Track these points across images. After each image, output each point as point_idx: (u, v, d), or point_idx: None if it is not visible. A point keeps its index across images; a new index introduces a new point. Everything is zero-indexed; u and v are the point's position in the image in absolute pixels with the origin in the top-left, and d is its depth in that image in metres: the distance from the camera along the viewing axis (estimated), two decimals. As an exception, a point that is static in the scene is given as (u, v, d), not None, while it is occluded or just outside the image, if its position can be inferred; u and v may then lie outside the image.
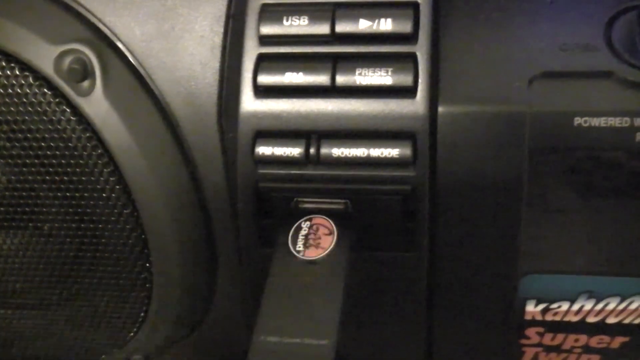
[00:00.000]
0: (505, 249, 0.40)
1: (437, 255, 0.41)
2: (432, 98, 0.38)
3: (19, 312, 0.45)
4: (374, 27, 0.38)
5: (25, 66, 0.40)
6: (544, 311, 0.41)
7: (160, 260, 0.41)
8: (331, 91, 0.38)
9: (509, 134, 0.37)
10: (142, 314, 0.43)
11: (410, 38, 0.38)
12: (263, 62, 0.39)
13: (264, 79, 0.39)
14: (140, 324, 0.44)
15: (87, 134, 0.40)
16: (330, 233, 0.38)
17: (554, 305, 0.41)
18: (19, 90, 0.40)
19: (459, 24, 0.40)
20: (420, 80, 0.38)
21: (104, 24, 0.41)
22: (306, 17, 0.39)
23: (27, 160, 0.41)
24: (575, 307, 0.41)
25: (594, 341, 0.42)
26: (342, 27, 0.38)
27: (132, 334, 0.44)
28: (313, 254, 0.37)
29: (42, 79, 0.40)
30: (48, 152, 0.40)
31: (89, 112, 0.40)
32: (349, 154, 0.38)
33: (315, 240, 0.37)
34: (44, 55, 0.39)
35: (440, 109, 0.38)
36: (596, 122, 0.37)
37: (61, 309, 0.44)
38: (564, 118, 0.37)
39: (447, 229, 0.40)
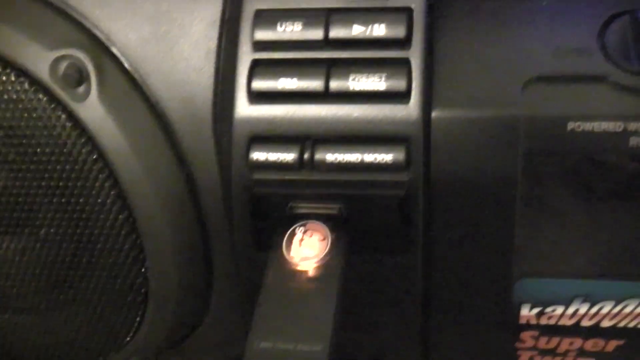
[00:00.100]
0: (500, 252, 0.40)
1: (432, 259, 0.41)
2: (425, 103, 0.38)
3: (15, 317, 0.45)
4: (368, 33, 0.38)
5: (21, 71, 0.40)
6: (539, 315, 0.41)
7: (156, 265, 0.41)
8: (325, 96, 0.38)
9: (502, 139, 0.37)
10: (139, 318, 0.43)
11: (403, 43, 0.38)
12: (257, 68, 0.39)
13: (258, 84, 0.39)
14: (136, 328, 0.44)
15: (83, 139, 0.40)
16: (325, 238, 0.38)
17: (549, 309, 0.41)
18: (14, 96, 0.40)
19: (453, 29, 0.40)
20: (413, 85, 0.38)
21: (99, 29, 0.41)
22: (300, 23, 0.39)
23: (23, 166, 0.41)
24: (570, 310, 0.41)
25: (589, 344, 0.42)
26: (335, 33, 0.38)
27: (128, 338, 0.44)
28: (307, 259, 0.37)
29: (38, 84, 0.40)
30: (43, 157, 0.40)
31: (84, 117, 0.40)
32: (343, 159, 0.38)
33: (309, 246, 0.38)
34: (40, 61, 0.40)
35: (434, 114, 0.38)
36: (590, 126, 0.37)
37: (57, 313, 0.44)
38: (558, 122, 0.37)
39: (441, 233, 0.40)
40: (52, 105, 0.40)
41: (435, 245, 0.40)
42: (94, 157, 0.40)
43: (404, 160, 0.38)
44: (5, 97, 0.40)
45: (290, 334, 0.34)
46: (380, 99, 0.38)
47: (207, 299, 0.44)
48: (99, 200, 0.40)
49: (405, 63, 0.38)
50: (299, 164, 0.39)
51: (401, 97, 0.38)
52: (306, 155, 0.38)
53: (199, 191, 0.41)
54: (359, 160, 0.38)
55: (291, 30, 0.39)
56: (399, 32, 0.38)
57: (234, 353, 0.46)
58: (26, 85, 0.40)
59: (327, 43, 0.39)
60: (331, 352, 0.34)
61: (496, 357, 0.44)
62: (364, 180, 0.39)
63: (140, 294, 0.42)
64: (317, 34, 0.39)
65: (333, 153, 0.38)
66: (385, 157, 0.38)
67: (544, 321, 0.42)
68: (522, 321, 0.42)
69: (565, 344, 0.43)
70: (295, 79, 0.38)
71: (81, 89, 0.40)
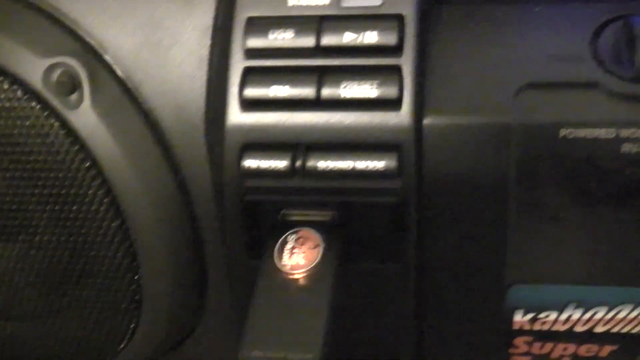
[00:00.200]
0: (493, 259, 0.40)
1: (425, 265, 0.41)
2: (417, 110, 0.38)
3: (9, 324, 0.45)
4: (359, 40, 0.38)
5: (14, 79, 0.40)
6: (532, 321, 0.41)
7: (150, 272, 0.41)
8: (317, 104, 0.38)
9: (494, 146, 0.37)
10: (133, 325, 0.43)
11: (395, 50, 0.38)
12: (249, 76, 0.39)
13: (250, 92, 0.39)
14: (130, 335, 0.44)
15: (76, 147, 0.40)
16: (317, 246, 0.38)
17: (542, 315, 0.41)
18: (7, 104, 0.40)
19: (445, 35, 0.40)
20: (405, 93, 0.38)
21: (92, 37, 0.41)
22: (292, 30, 0.39)
23: (16, 173, 0.41)
24: (563, 316, 0.41)
25: (583, 350, 0.42)
26: (327, 40, 0.38)
27: (122, 344, 0.44)
28: (299, 267, 0.37)
29: (31, 92, 0.40)
30: (37, 165, 0.40)
31: (77, 125, 0.40)
32: (335, 166, 0.38)
33: (301, 253, 0.38)
34: (33, 68, 0.40)
35: (426, 121, 0.38)
36: (582, 133, 0.37)
37: (51, 320, 0.44)
38: (550, 129, 0.37)
39: (434, 239, 0.40)
40: (45, 113, 0.40)
41: (428, 251, 0.40)
42: (87, 164, 0.40)
43: (396, 167, 0.38)
44: (-1, 105, 0.40)
45: (281, 343, 0.35)
46: (372, 106, 0.38)
47: (200, 306, 0.45)
48: (93, 208, 0.41)
49: (396, 70, 0.38)
50: (291, 172, 0.39)
51: (393, 104, 0.38)
52: (298, 163, 0.38)
53: (192, 198, 0.41)
54: (351, 167, 0.38)
55: (283, 37, 0.39)
56: (391, 39, 0.38)
57: (228, 360, 0.47)
58: (19, 93, 0.40)
59: (319, 50, 0.39)
60: (324, 360, 0.34)
61: (490, 362, 0.44)
62: (356, 187, 0.39)
63: (134, 300, 0.43)
64: (308, 41, 0.39)
65: (325, 160, 0.38)
66: (377, 164, 0.38)
67: (537, 327, 0.42)
68: (516, 327, 0.42)
69: (559, 349, 0.43)
70: (287, 87, 0.38)
71: (74, 96, 0.40)
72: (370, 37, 0.38)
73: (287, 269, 0.37)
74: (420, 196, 0.39)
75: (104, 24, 0.41)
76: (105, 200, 0.40)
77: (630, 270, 0.40)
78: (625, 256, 0.39)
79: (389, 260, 0.40)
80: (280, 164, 0.39)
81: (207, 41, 0.40)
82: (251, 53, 0.39)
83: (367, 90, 0.38)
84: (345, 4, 0.39)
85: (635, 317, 0.41)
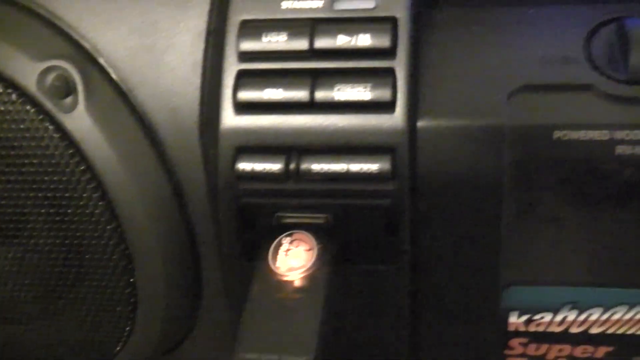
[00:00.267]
0: (487, 261, 0.40)
1: (419, 267, 0.41)
2: (411, 112, 0.38)
3: (4, 327, 0.45)
4: (353, 43, 0.38)
5: (8, 83, 0.40)
6: (527, 322, 0.41)
7: (145, 275, 0.42)
8: (311, 107, 0.38)
9: (488, 148, 0.38)
10: (128, 328, 0.43)
11: (388, 53, 0.38)
12: (243, 79, 0.39)
13: (244, 95, 0.39)
14: (126, 338, 0.44)
15: (71, 150, 0.40)
16: (311, 248, 0.38)
17: (537, 316, 0.41)
18: (2, 107, 0.40)
19: (439, 38, 0.40)
20: (399, 95, 0.38)
21: (87, 41, 0.41)
22: (285, 33, 0.39)
23: (11, 177, 0.41)
24: (559, 317, 0.41)
25: (578, 351, 0.42)
26: (320, 43, 0.39)
27: (118, 347, 0.44)
28: (293, 270, 0.37)
29: (25, 96, 0.40)
30: (32, 169, 0.40)
31: (72, 129, 0.40)
32: (329, 169, 0.38)
33: (295, 256, 0.38)
34: (27, 72, 0.40)
35: (420, 123, 0.38)
36: (576, 135, 0.37)
37: (47, 323, 0.44)
38: (544, 131, 0.37)
39: (428, 242, 0.40)
40: (40, 117, 0.40)
41: (423, 254, 0.40)
42: (82, 168, 0.40)
43: (390, 170, 0.38)
44: (-6, 108, 0.40)
45: (276, 345, 0.35)
46: (366, 109, 0.38)
47: (196, 309, 0.45)
48: (88, 211, 0.41)
49: (390, 73, 0.38)
50: (285, 174, 0.39)
51: (386, 107, 0.38)
52: (292, 166, 0.39)
53: (187, 201, 0.41)
54: (345, 170, 0.38)
55: (276, 40, 0.39)
56: (384, 42, 0.38)
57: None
58: (14, 97, 0.40)
59: (313, 53, 0.39)
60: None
61: (485, 364, 0.44)
62: (350, 190, 0.39)
63: (129, 303, 0.43)
64: (302, 44, 0.39)
65: (319, 163, 0.38)
66: (371, 167, 0.38)
67: (532, 328, 0.42)
68: (511, 328, 0.42)
69: (554, 350, 0.43)
70: (280, 90, 0.38)
71: (68, 100, 0.40)
72: (364, 40, 0.38)
73: (281, 271, 0.37)
74: (414, 198, 0.39)
75: (99, 27, 0.41)
76: (100, 203, 0.40)
77: (625, 271, 0.40)
78: (620, 257, 0.39)
79: (384, 262, 0.40)
80: (275, 166, 0.39)
81: (201, 44, 0.40)
82: (245, 56, 0.39)
83: (360, 92, 0.38)
84: (338, 7, 0.39)
85: (631, 319, 0.41)
